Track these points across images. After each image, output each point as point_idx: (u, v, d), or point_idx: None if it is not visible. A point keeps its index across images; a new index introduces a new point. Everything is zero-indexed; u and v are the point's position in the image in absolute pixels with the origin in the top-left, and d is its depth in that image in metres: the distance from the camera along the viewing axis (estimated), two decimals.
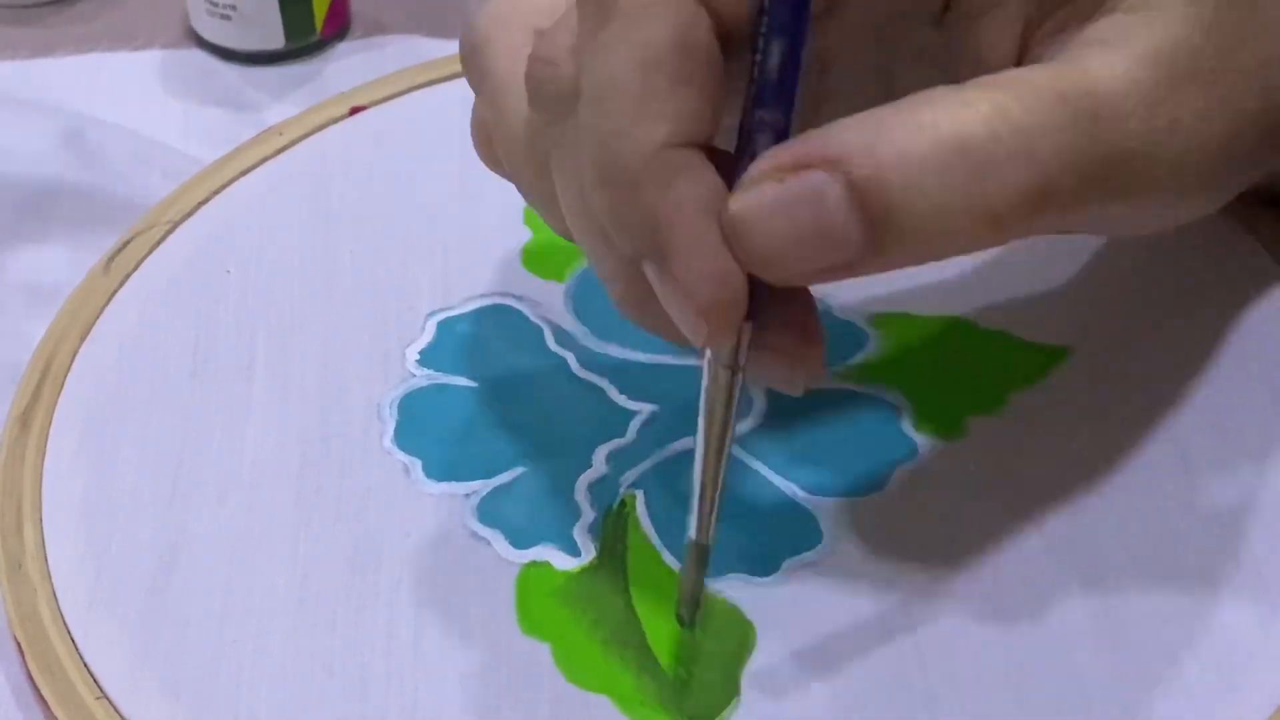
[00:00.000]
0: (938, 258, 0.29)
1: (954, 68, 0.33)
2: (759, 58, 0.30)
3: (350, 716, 0.34)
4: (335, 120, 0.49)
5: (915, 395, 0.40)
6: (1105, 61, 0.30)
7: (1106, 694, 0.34)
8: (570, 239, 0.33)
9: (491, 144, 0.35)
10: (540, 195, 0.33)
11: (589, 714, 0.34)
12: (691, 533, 0.33)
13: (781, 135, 0.30)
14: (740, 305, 0.29)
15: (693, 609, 0.34)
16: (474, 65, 0.35)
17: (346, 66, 0.54)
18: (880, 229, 0.28)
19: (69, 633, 0.36)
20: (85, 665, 0.35)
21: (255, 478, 0.39)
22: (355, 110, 0.49)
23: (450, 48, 0.52)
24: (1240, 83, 0.31)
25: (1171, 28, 0.30)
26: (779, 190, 0.28)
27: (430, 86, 0.50)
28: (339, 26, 0.54)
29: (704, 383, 0.31)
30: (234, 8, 0.52)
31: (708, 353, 0.31)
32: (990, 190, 0.28)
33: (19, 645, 0.36)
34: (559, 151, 0.31)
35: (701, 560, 0.33)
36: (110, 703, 0.35)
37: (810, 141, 0.28)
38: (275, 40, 0.53)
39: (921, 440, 0.39)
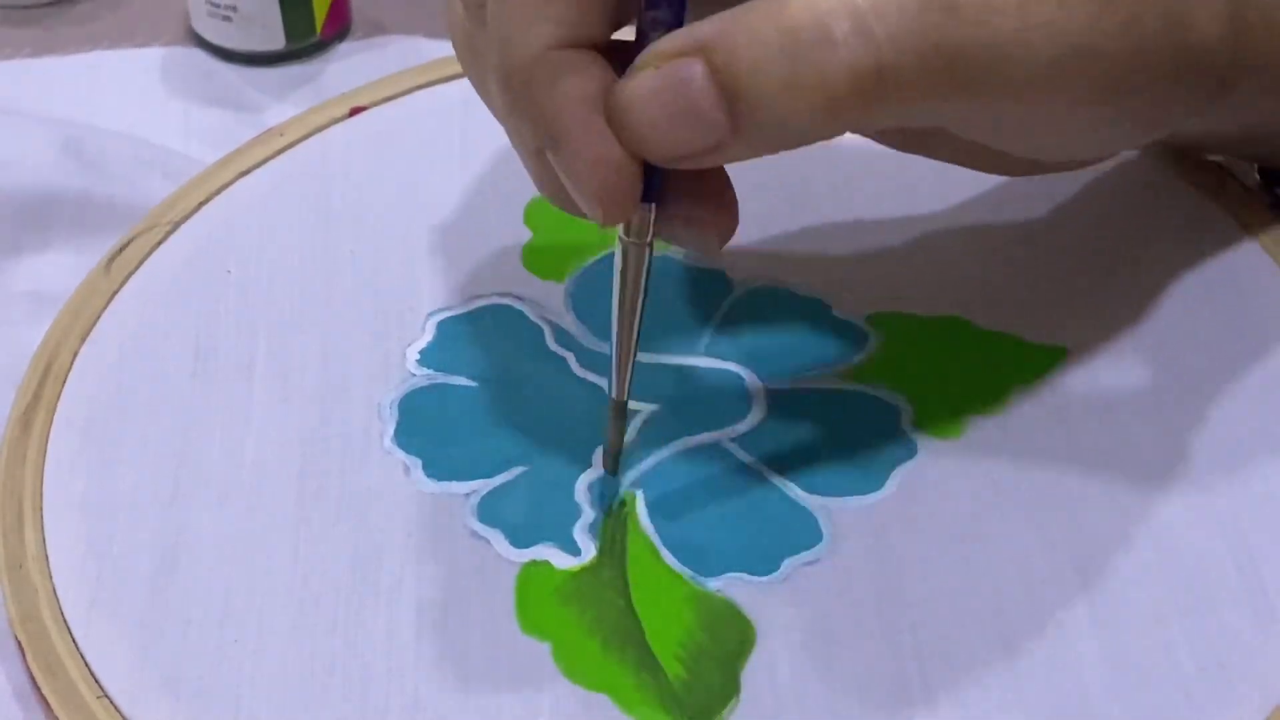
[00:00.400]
0: (795, 142, 0.31)
1: None
2: None
3: (350, 716, 0.34)
4: (336, 121, 0.49)
5: (915, 395, 0.40)
6: None
7: (1105, 694, 0.34)
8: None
9: None
10: (481, 92, 0.37)
11: (589, 713, 0.34)
12: (611, 393, 0.37)
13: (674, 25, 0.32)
14: (630, 187, 0.32)
15: (615, 459, 0.38)
16: None
17: (347, 67, 0.54)
18: (736, 110, 0.30)
19: (70, 632, 0.36)
20: (86, 665, 0.35)
21: (256, 477, 0.39)
22: (356, 111, 0.49)
23: (450, 48, 0.53)
24: (1140, 1, 0.31)
25: None
26: (654, 76, 0.30)
27: (430, 87, 0.50)
28: (339, 27, 0.54)
29: (616, 258, 0.35)
30: (234, 9, 0.52)
31: (619, 230, 0.34)
32: (825, 71, 0.29)
33: (20, 645, 0.36)
34: (485, 56, 0.34)
35: (620, 415, 0.38)
36: (111, 702, 0.35)
37: (686, 32, 0.31)
38: (276, 41, 0.53)
39: (921, 440, 0.39)
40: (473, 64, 0.36)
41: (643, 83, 0.31)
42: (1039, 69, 0.30)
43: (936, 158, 0.37)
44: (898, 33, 0.29)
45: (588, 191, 0.32)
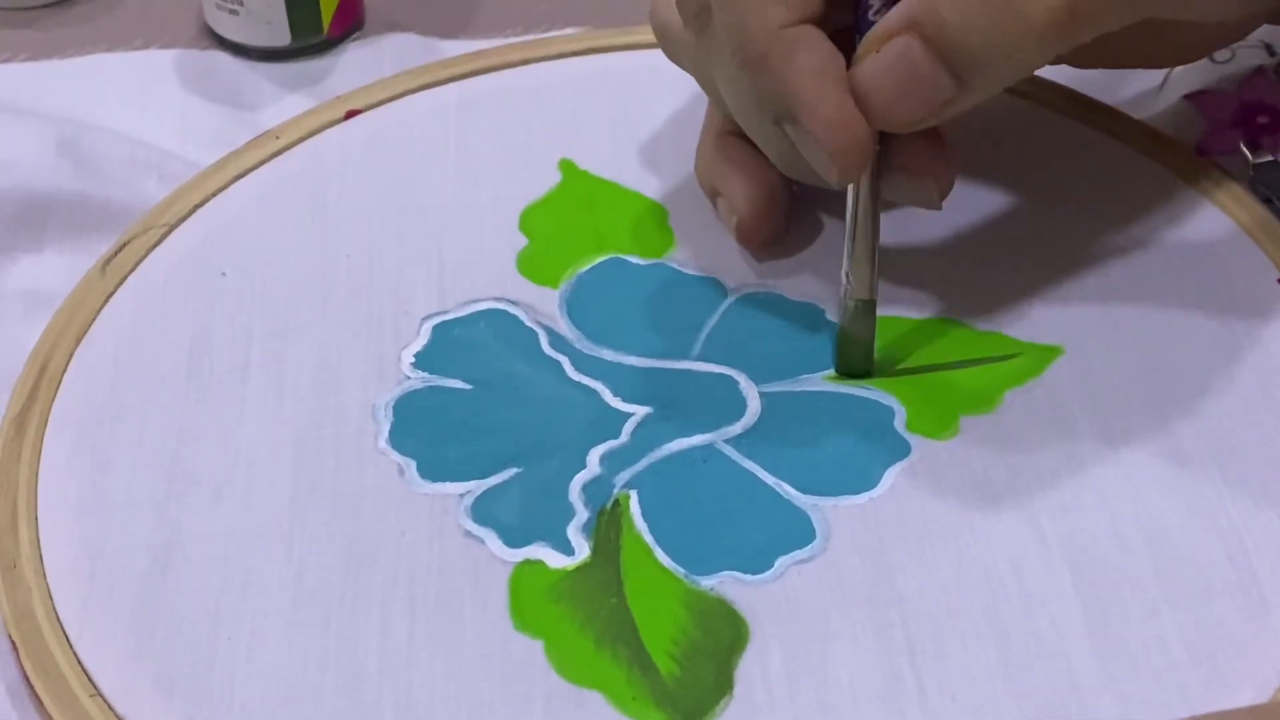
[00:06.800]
0: (1013, 79, 0.36)
1: None
2: None
3: (344, 714, 0.34)
4: (331, 124, 0.49)
5: (909, 395, 0.40)
6: None
7: (1099, 687, 0.34)
8: (738, 123, 0.40)
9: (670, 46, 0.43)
10: (708, 90, 0.42)
11: (582, 710, 0.34)
12: (863, 294, 0.39)
13: (889, 5, 0.36)
14: (863, 147, 0.36)
15: (869, 355, 0.40)
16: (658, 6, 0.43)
17: (357, 66, 0.53)
18: (957, 67, 0.35)
19: (63, 631, 0.36)
20: (79, 663, 0.35)
21: (250, 478, 0.39)
22: (351, 114, 0.49)
23: (464, 48, 0.52)
24: None
25: None
26: (876, 59, 0.35)
27: (426, 90, 0.50)
28: (348, 26, 0.54)
29: (849, 195, 0.38)
30: (240, 3, 0.52)
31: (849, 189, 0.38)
32: (1025, 14, 0.34)
33: (13, 644, 0.36)
34: (710, 56, 0.39)
35: (871, 315, 0.40)
36: (104, 700, 0.35)
37: (895, 13, 0.35)
38: (282, 37, 0.53)
39: (915, 440, 0.39)
40: (697, 66, 0.41)
41: (870, 66, 0.36)
42: None
43: (1113, 66, 0.43)
44: None
45: (825, 153, 0.36)
